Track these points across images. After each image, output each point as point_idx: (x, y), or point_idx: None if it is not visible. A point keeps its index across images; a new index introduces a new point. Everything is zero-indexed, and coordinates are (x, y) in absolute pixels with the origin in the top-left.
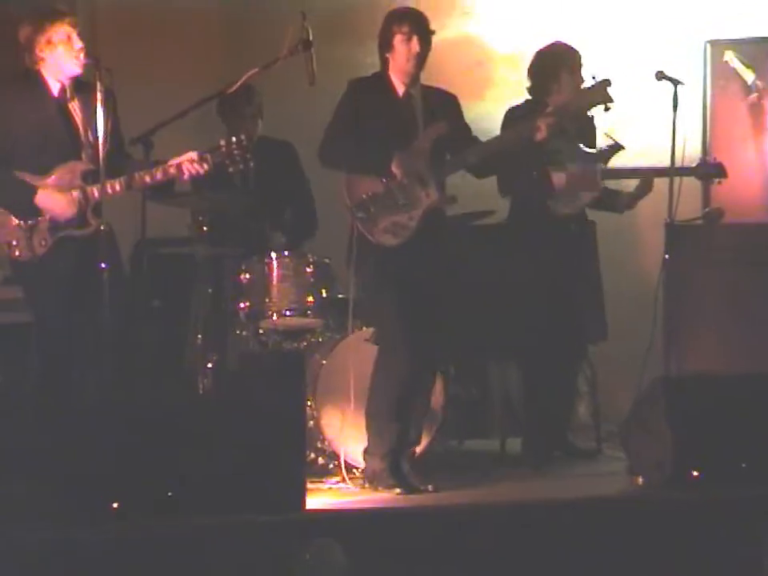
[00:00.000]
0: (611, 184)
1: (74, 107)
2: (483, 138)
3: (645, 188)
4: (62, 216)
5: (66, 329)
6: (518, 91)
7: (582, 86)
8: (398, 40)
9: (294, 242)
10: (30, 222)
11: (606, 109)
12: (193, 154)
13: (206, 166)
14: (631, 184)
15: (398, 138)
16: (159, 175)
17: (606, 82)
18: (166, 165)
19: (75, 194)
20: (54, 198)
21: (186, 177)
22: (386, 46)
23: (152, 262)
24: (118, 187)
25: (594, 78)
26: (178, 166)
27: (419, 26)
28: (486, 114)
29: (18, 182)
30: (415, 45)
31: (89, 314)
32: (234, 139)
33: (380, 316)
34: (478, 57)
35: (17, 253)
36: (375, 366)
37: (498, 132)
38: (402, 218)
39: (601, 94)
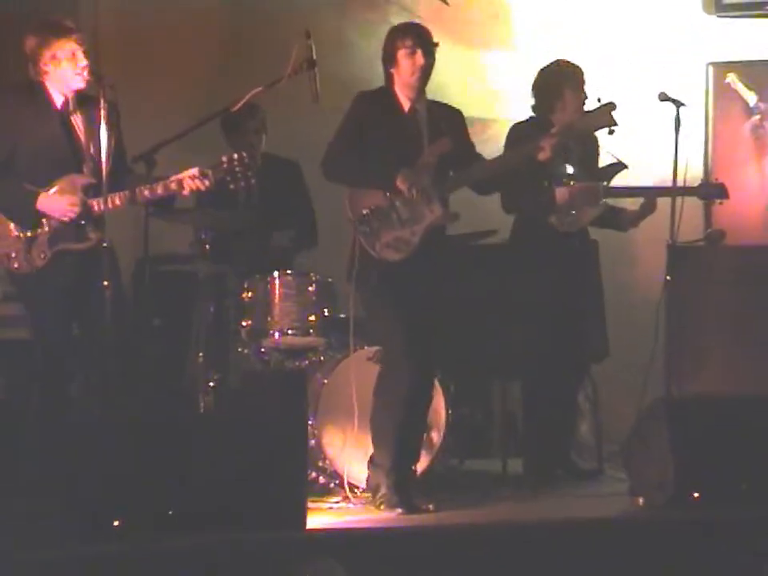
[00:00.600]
0: (614, 202)
1: (77, 120)
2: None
3: (648, 207)
4: (64, 217)
5: (64, 342)
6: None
7: (587, 108)
8: (401, 54)
9: (295, 251)
10: (29, 233)
11: (610, 132)
12: (194, 170)
13: (207, 182)
14: (635, 203)
15: (403, 153)
16: (160, 190)
17: (611, 106)
18: (168, 180)
19: (78, 196)
20: (57, 200)
21: (186, 192)
22: (389, 60)
23: (154, 279)
24: (118, 201)
25: (599, 100)
26: (180, 182)
27: (422, 40)
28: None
29: (19, 189)
30: (419, 58)
31: (86, 329)
32: (235, 156)
33: (381, 331)
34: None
35: (15, 265)
36: (377, 381)
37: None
38: (405, 234)
39: (605, 117)
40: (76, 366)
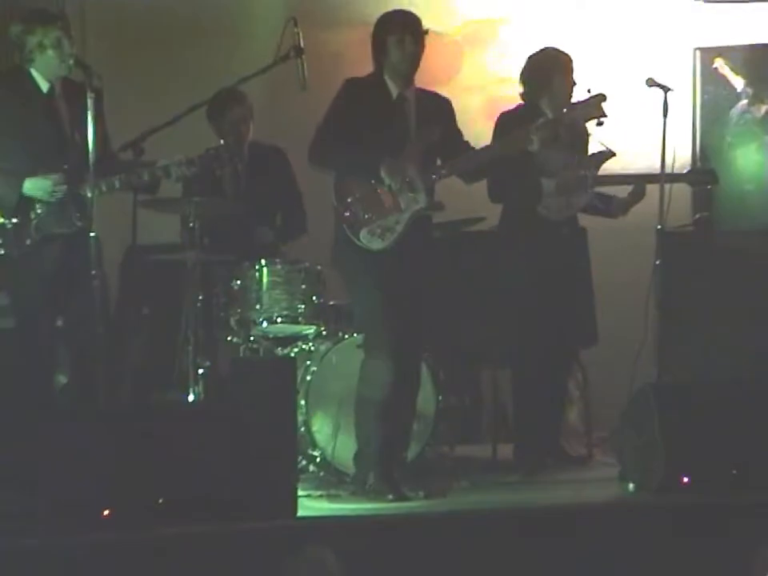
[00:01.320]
0: (604, 190)
1: (62, 107)
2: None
3: (638, 194)
4: (51, 197)
5: (47, 330)
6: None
7: (576, 98)
8: (391, 42)
9: (282, 241)
10: (15, 219)
11: (599, 123)
12: (181, 156)
13: (193, 169)
14: (624, 190)
15: (390, 141)
16: (146, 176)
17: (601, 97)
18: (154, 166)
19: (62, 177)
20: (42, 182)
21: (173, 178)
22: (379, 48)
23: (142, 268)
24: (104, 188)
25: (588, 91)
26: (165, 168)
27: (412, 27)
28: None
29: (4, 177)
30: (409, 45)
31: (69, 318)
32: (222, 142)
33: (364, 319)
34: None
35: (2, 251)
36: (361, 369)
37: None
38: (389, 222)
39: (595, 108)
40: (60, 354)
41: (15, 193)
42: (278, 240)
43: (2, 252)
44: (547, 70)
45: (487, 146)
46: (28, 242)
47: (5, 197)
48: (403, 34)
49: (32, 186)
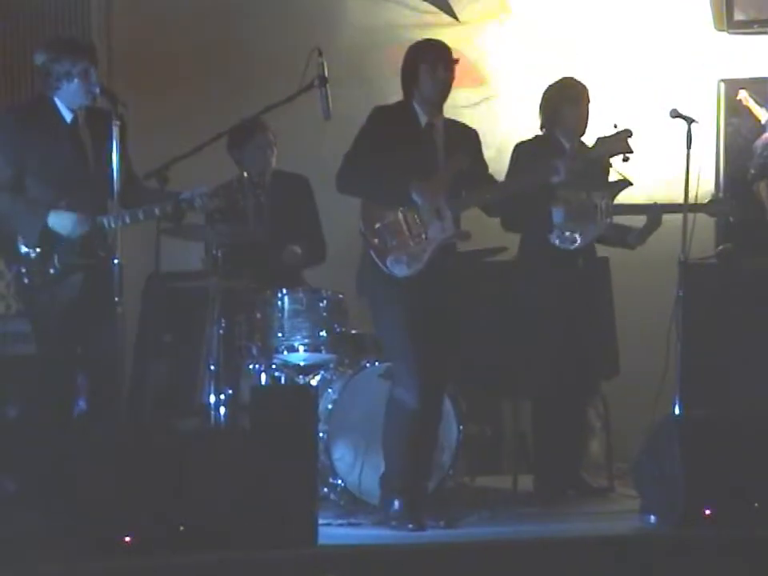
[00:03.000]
0: (623, 220)
1: (85, 135)
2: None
3: (653, 223)
4: (72, 234)
5: (68, 358)
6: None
7: (603, 134)
8: (423, 70)
9: (304, 267)
10: (39, 249)
11: (625, 159)
12: (204, 188)
13: (216, 201)
14: (643, 220)
15: (418, 168)
16: (169, 209)
17: (627, 132)
18: (177, 198)
19: (85, 214)
20: (65, 218)
21: (197, 210)
22: (411, 75)
23: (165, 295)
24: (127, 219)
25: (615, 126)
26: (189, 200)
27: (444, 55)
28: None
29: (29, 206)
30: (441, 73)
31: (90, 346)
32: (245, 175)
33: (390, 348)
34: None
35: (26, 280)
36: (388, 398)
37: None
38: (416, 250)
39: (621, 143)
40: (80, 381)
41: (39, 223)
42: (303, 262)
43: (26, 281)
44: (557, 100)
45: (511, 180)
46: (51, 271)
47: (29, 226)
48: (436, 63)
49: (55, 221)
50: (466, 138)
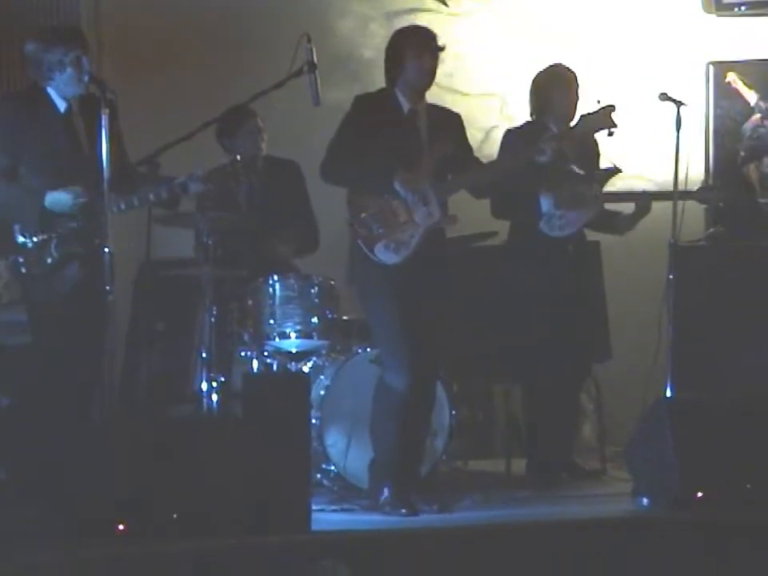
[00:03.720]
0: (611, 206)
1: (79, 123)
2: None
3: (643, 209)
4: (74, 206)
5: (63, 347)
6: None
7: (586, 110)
8: (409, 57)
9: (296, 255)
10: (35, 238)
11: (610, 134)
12: (198, 172)
13: (209, 185)
14: (633, 206)
15: (402, 155)
16: (164, 194)
17: (611, 108)
18: (172, 183)
19: (82, 188)
20: (63, 196)
21: (190, 194)
22: (396, 62)
23: (157, 283)
24: (123, 206)
25: (598, 102)
26: (183, 184)
27: (430, 43)
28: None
29: (25, 192)
30: (427, 61)
31: (85, 334)
32: (238, 158)
33: (379, 334)
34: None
35: (23, 270)
36: (376, 384)
37: None
38: (403, 236)
39: (605, 119)
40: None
41: (36, 209)
42: (292, 253)
43: (23, 270)
44: (548, 87)
45: (497, 159)
46: (49, 260)
47: (27, 211)
48: (422, 49)
49: (53, 201)
50: (450, 123)
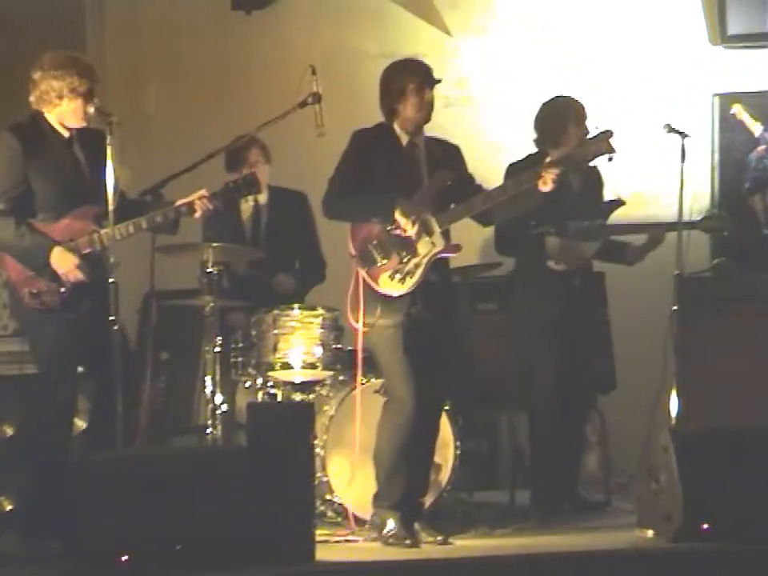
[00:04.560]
0: (619, 237)
1: (79, 152)
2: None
3: (655, 240)
4: (71, 278)
5: (69, 378)
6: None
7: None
8: (410, 90)
9: (302, 289)
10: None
11: (609, 159)
12: (203, 192)
13: (216, 203)
14: (640, 236)
15: (403, 187)
16: (172, 214)
17: (609, 133)
18: (178, 204)
19: (85, 249)
20: (66, 260)
21: (198, 214)
22: (396, 96)
23: (161, 313)
24: (131, 228)
25: (597, 128)
26: (190, 204)
27: (429, 76)
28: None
29: (33, 241)
30: (428, 94)
31: (90, 365)
32: (244, 173)
33: (384, 365)
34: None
35: (39, 302)
36: (381, 415)
37: None
38: (408, 267)
39: (604, 144)
40: (79, 400)
41: (44, 259)
42: (298, 288)
43: (40, 303)
44: (562, 118)
45: (500, 186)
46: (62, 289)
47: (33, 261)
48: (422, 82)
49: (57, 261)
50: (448, 154)
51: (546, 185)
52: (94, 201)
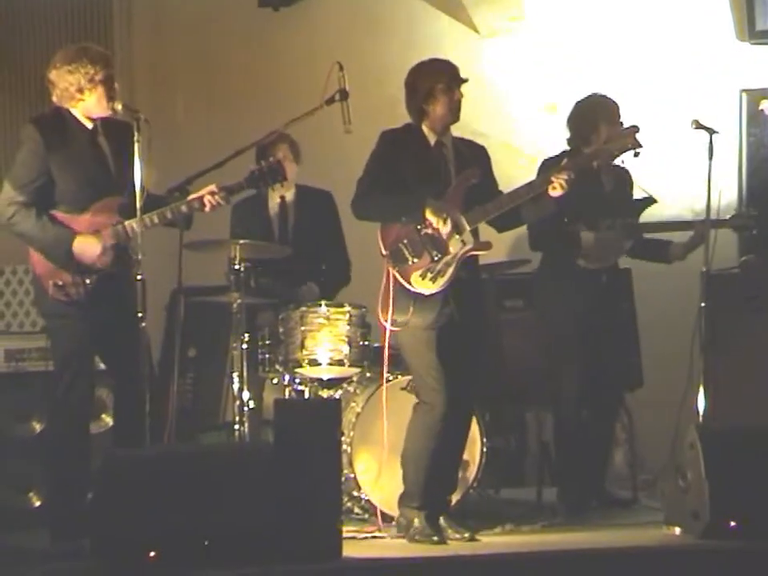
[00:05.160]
0: (658, 235)
1: (104, 144)
2: None
3: (699, 238)
4: (95, 264)
5: (88, 373)
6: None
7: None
8: (439, 90)
9: (329, 292)
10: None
11: (636, 154)
12: (212, 187)
13: (224, 195)
14: (676, 234)
15: (432, 186)
16: (197, 204)
17: (635, 128)
18: (189, 199)
19: (109, 241)
20: (90, 247)
21: (208, 209)
22: (426, 96)
23: (189, 310)
24: (156, 219)
25: (621, 124)
26: (200, 199)
27: (458, 76)
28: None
29: (56, 234)
30: (457, 94)
31: (114, 359)
32: (270, 158)
33: (414, 363)
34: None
35: (64, 294)
36: (411, 416)
37: None
38: (439, 265)
39: (629, 139)
40: (106, 397)
41: (66, 249)
42: (324, 292)
43: (66, 295)
44: (594, 117)
45: (526, 184)
46: (88, 281)
47: (55, 253)
48: (451, 82)
49: (80, 249)
50: (476, 154)
51: (556, 190)
52: (118, 192)
